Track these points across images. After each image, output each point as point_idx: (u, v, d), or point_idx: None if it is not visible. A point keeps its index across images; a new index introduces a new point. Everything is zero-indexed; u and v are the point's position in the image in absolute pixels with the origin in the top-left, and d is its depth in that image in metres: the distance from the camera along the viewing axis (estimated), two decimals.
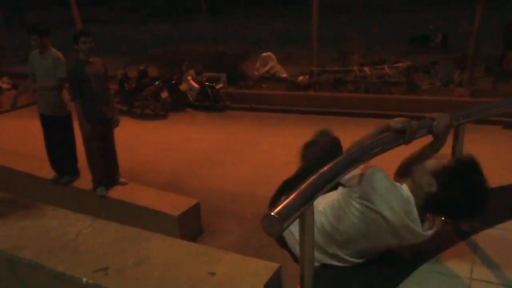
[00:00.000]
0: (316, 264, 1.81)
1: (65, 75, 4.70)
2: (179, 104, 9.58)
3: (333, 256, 1.82)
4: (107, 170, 4.90)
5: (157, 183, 5.56)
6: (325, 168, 1.53)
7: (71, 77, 4.58)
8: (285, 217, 1.32)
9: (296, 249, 1.83)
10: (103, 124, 4.73)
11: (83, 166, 5.36)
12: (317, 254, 1.81)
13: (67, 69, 4.69)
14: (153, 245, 1.99)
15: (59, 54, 4.76)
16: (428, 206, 1.68)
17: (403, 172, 1.87)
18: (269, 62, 10.92)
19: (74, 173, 5.24)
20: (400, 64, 9.20)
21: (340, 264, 1.83)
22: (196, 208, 4.67)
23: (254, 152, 6.88)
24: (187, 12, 38.50)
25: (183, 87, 9.73)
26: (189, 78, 9.71)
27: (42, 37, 4.67)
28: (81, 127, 4.64)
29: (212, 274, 1.73)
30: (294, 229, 1.75)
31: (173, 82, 9.63)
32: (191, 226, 4.62)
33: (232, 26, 26.49)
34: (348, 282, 1.79)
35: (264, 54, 10.98)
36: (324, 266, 1.85)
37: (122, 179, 5.09)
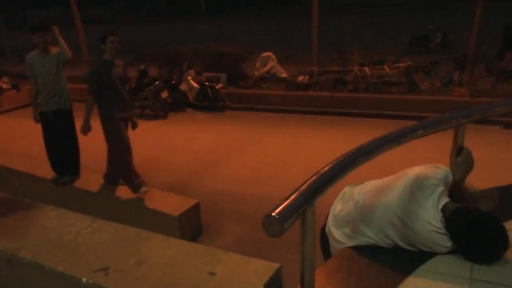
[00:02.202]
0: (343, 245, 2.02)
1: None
2: (179, 104, 9.58)
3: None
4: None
5: (157, 183, 5.56)
6: (326, 168, 1.54)
7: (93, 77, 4.50)
8: (286, 217, 1.32)
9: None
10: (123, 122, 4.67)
11: (83, 166, 5.36)
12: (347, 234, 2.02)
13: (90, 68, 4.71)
14: (153, 245, 1.99)
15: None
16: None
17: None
18: (269, 62, 10.92)
19: (75, 173, 5.24)
20: (400, 64, 9.20)
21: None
22: (196, 208, 4.67)
23: (254, 152, 6.87)
24: (187, 12, 38.52)
25: (183, 87, 9.72)
26: (189, 78, 9.71)
27: (48, 34, 4.67)
28: (84, 125, 4.54)
29: (212, 274, 1.73)
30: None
31: (173, 82, 9.62)
32: (191, 226, 4.62)
33: (232, 26, 26.50)
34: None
35: (264, 54, 10.98)
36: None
37: (144, 187, 4.88)
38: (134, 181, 4.74)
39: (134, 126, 4.87)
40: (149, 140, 7.80)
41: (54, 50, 4.78)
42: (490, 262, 1.75)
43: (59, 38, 4.72)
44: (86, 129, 4.57)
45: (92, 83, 4.50)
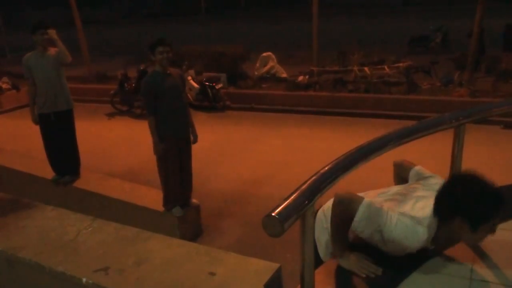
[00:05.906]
0: None
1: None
2: None
3: None
4: (182, 189, 4.47)
5: (157, 183, 5.54)
6: (326, 168, 1.54)
7: (146, 92, 4.13)
8: (286, 217, 1.32)
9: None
10: (178, 141, 4.30)
11: (82, 166, 5.36)
12: None
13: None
14: (153, 245, 1.98)
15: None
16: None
17: None
18: (269, 62, 10.93)
19: (75, 173, 5.23)
20: (400, 64, 9.20)
21: None
22: (196, 208, 4.68)
23: (254, 152, 6.87)
24: (187, 12, 38.51)
25: None
26: (189, 78, 9.71)
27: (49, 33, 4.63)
28: (154, 147, 4.22)
29: (212, 274, 1.73)
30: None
31: None
32: (191, 226, 4.62)
33: (232, 26, 26.50)
34: (349, 282, 1.79)
35: (264, 54, 10.98)
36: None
37: (194, 200, 4.68)
38: (170, 199, 4.44)
39: (194, 140, 4.52)
40: (149, 140, 7.79)
41: (53, 50, 4.74)
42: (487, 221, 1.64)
43: (58, 41, 4.64)
44: (158, 150, 4.21)
45: (148, 99, 4.12)
